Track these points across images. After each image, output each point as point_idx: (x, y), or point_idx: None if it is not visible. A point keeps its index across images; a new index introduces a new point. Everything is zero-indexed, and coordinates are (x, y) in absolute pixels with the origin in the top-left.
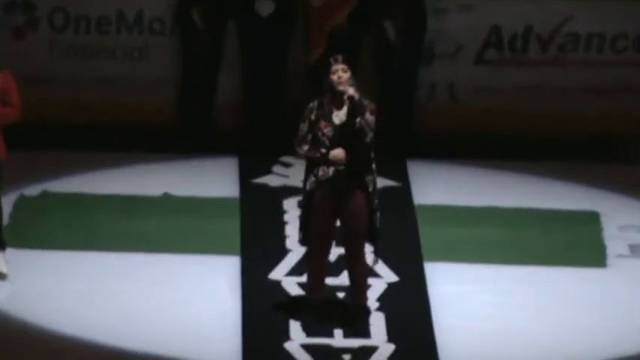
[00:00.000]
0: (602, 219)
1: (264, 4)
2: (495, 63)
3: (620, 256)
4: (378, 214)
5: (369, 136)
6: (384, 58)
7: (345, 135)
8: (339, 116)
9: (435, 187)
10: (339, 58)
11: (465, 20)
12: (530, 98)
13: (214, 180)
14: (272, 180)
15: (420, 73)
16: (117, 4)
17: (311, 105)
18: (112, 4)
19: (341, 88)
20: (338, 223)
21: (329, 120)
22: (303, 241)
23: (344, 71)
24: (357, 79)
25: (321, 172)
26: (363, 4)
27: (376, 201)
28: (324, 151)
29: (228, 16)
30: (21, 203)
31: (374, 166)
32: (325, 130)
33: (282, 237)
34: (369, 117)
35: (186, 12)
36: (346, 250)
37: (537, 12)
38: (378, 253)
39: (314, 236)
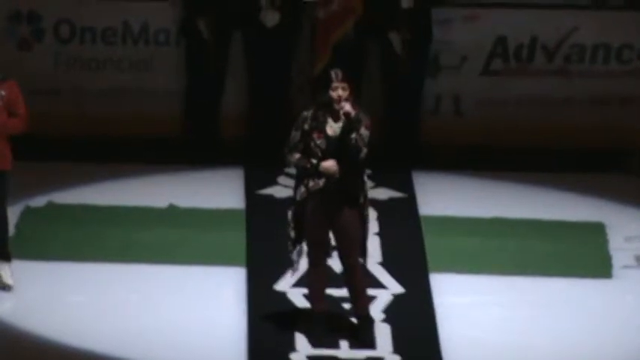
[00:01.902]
0: (608, 230)
1: (270, 15)
2: (501, 74)
3: (626, 267)
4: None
5: (364, 151)
6: (390, 69)
7: (338, 148)
8: (333, 128)
9: (440, 198)
10: (340, 74)
11: (471, 31)
12: (536, 109)
13: (220, 191)
14: (277, 191)
15: (425, 85)
16: (122, 16)
17: (305, 113)
18: (117, 16)
19: (337, 106)
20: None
21: (322, 131)
22: (292, 247)
23: (344, 89)
24: (356, 94)
25: (311, 183)
26: (368, 16)
27: (366, 212)
28: (314, 161)
29: (233, 26)
30: (26, 214)
31: (366, 177)
32: (318, 141)
33: (287, 248)
34: (364, 132)
35: (192, 23)
36: (342, 263)
37: (543, 22)
38: (365, 260)
39: (308, 248)
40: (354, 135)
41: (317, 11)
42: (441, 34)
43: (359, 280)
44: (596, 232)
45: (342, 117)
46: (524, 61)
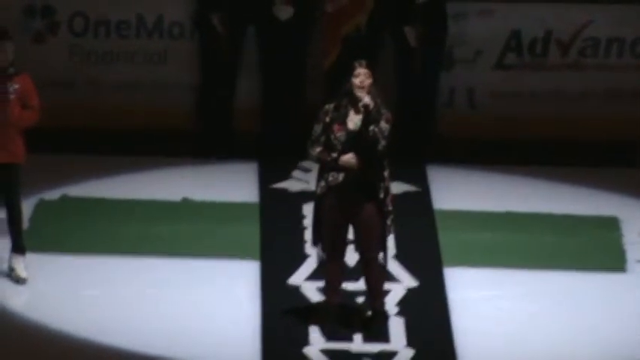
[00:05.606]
0: (622, 224)
1: (283, 9)
2: (515, 67)
3: None
4: (389, 221)
5: (382, 144)
6: (405, 63)
7: (358, 141)
8: (354, 121)
9: (454, 192)
10: (364, 62)
11: (485, 25)
12: (550, 103)
13: (234, 185)
14: (291, 185)
15: (439, 78)
16: (136, 9)
17: (327, 107)
18: (131, 9)
19: (359, 93)
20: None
21: (343, 123)
22: (314, 243)
23: (367, 76)
24: (376, 86)
25: (331, 178)
26: (380, 10)
27: (390, 207)
28: (335, 155)
29: (247, 20)
30: (41, 207)
31: (386, 173)
32: (338, 134)
33: (301, 242)
34: (384, 125)
35: (206, 17)
36: (361, 257)
37: (557, 16)
38: (386, 258)
39: (326, 241)
40: (372, 127)
41: (326, 5)
42: (456, 28)
43: (377, 274)
44: (610, 226)
45: (361, 109)
46: (538, 55)
